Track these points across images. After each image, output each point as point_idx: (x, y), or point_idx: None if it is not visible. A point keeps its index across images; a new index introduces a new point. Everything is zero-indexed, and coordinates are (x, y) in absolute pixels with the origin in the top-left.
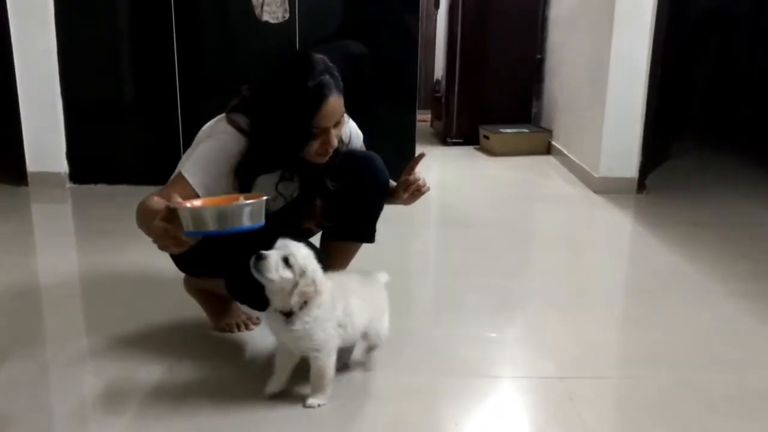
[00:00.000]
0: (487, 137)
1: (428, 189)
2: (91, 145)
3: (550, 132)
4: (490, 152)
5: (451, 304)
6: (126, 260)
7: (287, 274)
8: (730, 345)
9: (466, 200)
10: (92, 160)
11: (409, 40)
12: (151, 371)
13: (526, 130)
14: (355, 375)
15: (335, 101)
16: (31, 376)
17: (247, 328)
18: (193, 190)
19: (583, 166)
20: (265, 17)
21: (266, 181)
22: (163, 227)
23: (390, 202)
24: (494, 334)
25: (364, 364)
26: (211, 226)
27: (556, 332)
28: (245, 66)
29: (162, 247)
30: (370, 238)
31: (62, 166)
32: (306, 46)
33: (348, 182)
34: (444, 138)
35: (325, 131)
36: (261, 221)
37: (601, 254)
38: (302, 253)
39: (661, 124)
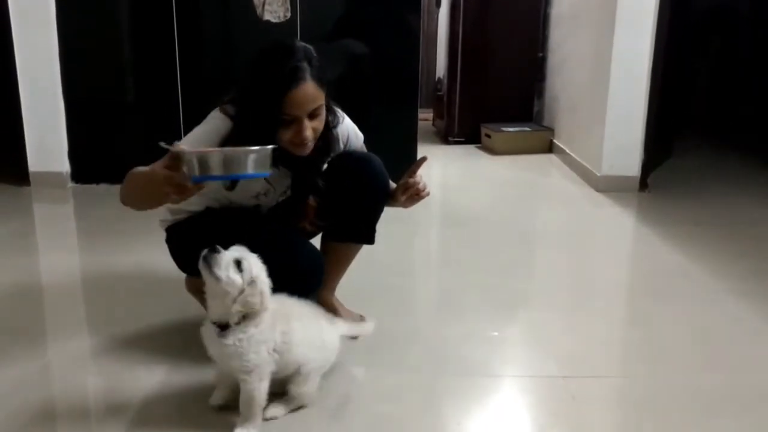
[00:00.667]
0: (488, 136)
1: (428, 194)
2: (93, 144)
3: (552, 130)
4: (491, 151)
5: (452, 303)
6: (128, 260)
7: (236, 277)
8: (732, 344)
9: (467, 199)
10: (94, 159)
11: (410, 38)
12: (152, 371)
13: (528, 129)
14: (356, 373)
15: (308, 89)
16: (33, 376)
17: None
18: None
19: (585, 164)
20: (267, 16)
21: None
22: (167, 174)
23: (389, 205)
24: (496, 333)
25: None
26: (216, 171)
27: (558, 331)
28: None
29: (163, 196)
30: (369, 239)
31: (64, 166)
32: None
33: (347, 183)
34: (446, 137)
35: (297, 120)
36: (266, 171)
37: (603, 253)
38: (256, 262)
39: (663, 122)
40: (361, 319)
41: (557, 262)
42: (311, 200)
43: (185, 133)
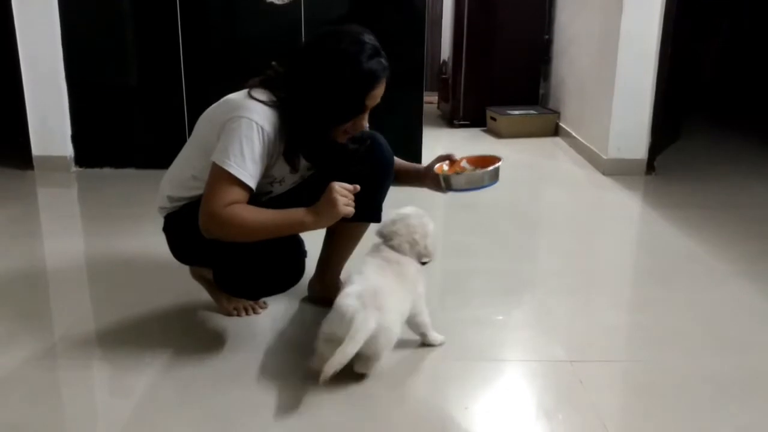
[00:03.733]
0: (494, 119)
1: None
2: (97, 128)
3: (558, 113)
4: (497, 134)
5: (457, 288)
6: (132, 244)
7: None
8: (741, 327)
9: None
10: (98, 143)
11: (415, 21)
12: (159, 355)
13: (534, 112)
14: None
15: (384, 84)
16: (39, 360)
17: (254, 312)
18: (246, 187)
19: (592, 147)
20: None
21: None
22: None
23: (412, 184)
24: (501, 317)
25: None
26: (462, 186)
27: (565, 315)
28: (250, 48)
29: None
30: (376, 217)
31: (68, 150)
32: (311, 28)
33: (353, 161)
34: (451, 120)
35: (366, 111)
36: (496, 180)
37: (609, 236)
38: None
39: (670, 105)
40: None
41: (563, 246)
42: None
43: (188, 116)
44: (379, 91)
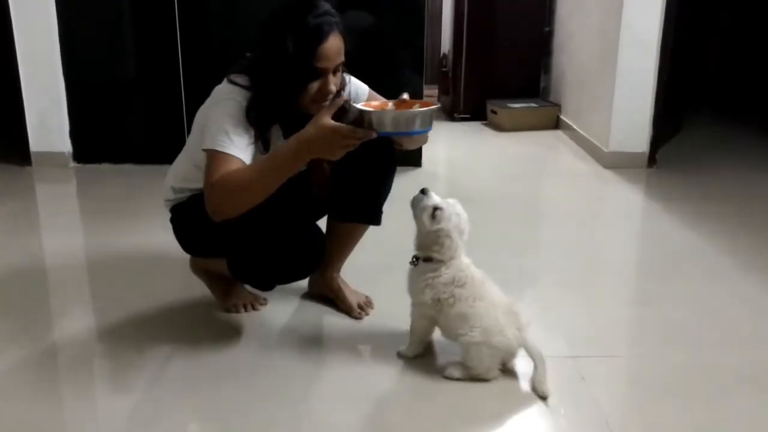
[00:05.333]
0: (495, 112)
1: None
2: (95, 123)
3: (558, 106)
4: (498, 127)
5: None
6: (131, 240)
7: (427, 221)
8: (744, 321)
9: (474, 176)
10: (96, 138)
11: (416, 13)
12: (158, 351)
13: (535, 105)
14: (363, 353)
15: (336, 41)
16: (39, 357)
17: (254, 308)
18: (238, 159)
19: (593, 140)
20: None
21: (275, 137)
22: (351, 129)
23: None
24: None
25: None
26: (388, 128)
27: (567, 310)
28: (248, 43)
29: (343, 148)
30: (376, 220)
31: (66, 146)
32: None
33: (353, 162)
34: (451, 113)
35: (324, 73)
36: (429, 127)
37: (611, 230)
38: (451, 217)
39: (672, 97)
40: (367, 299)
41: (565, 240)
42: (326, 164)
43: (187, 111)
44: (330, 49)
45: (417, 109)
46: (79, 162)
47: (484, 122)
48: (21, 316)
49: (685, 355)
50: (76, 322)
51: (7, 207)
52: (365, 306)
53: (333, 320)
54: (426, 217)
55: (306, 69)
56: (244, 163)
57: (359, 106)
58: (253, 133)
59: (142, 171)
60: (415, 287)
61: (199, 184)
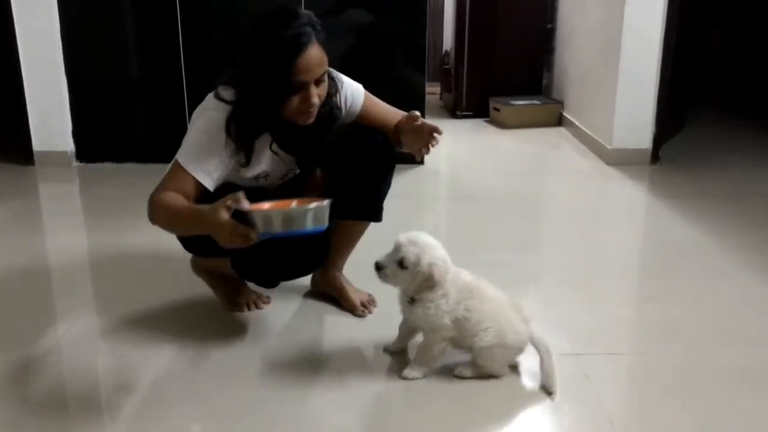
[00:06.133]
0: (497, 109)
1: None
2: (97, 123)
3: (561, 103)
4: (500, 125)
5: None
6: (134, 239)
7: (404, 275)
8: (748, 318)
9: (476, 174)
10: (98, 138)
11: (417, 11)
12: (161, 350)
13: (537, 102)
14: (365, 351)
15: (315, 53)
16: (43, 356)
17: (257, 306)
18: (194, 179)
19: (596, 137)
20: None
21: (262, 146)
22: (234, 225)
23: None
24: None
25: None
26: (277, 228)
27: (570, 308)
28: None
29: (228, 242)
30: (377, 216)
31: (68, 145)
32: None
33: (353, 159)
34: (453, 111)
35: (305, 86)
36: (324, 225)
37: (614, 227)
38: (414, 252)
39: (675, 93)
40: (370, 297)
41: (568, 237)
42: (318, 172)
43: (189, 110)
44: (308, 62)
45: (306, 206)
46: (81, 161)
47: (487, 119)
48: (24, 316)
49: (688, 352)
50: (79, 321)
51: (9, 206)
52: (368, 304)
53: (336, 318)
54: (400, 273)
55: (285, 83)
56: (198, 183)
57: (254, 207)
58: (231, 147)
59: (145, 170)
60: (429, 318)
61: None
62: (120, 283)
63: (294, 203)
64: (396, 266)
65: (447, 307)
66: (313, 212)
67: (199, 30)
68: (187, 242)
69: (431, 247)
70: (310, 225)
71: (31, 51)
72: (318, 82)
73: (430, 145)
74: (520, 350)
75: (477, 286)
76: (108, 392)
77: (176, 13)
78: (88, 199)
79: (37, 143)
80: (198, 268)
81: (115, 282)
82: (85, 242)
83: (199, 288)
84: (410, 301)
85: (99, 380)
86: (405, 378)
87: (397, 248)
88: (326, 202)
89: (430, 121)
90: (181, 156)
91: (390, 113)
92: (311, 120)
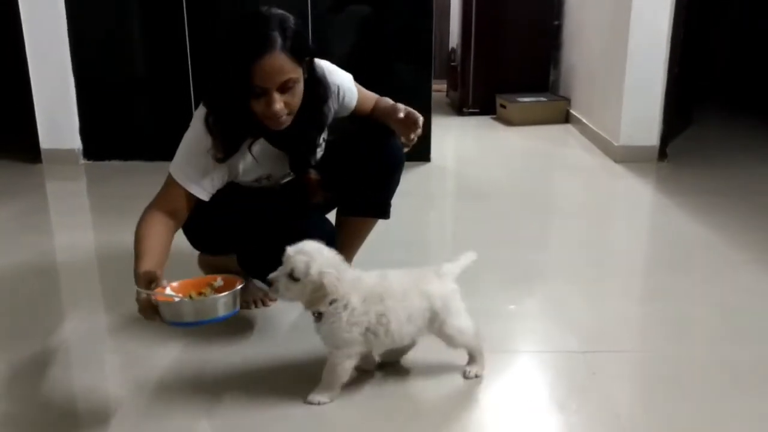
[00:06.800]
0: (504, 106)
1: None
2: (104, 121)
3: (568, 100)
4: (507, 122)
5: (468, 277)
6: None
7: (296, 287)
8: (756, 315)
9: (483, 171)
10: (105, 136)
11: (424, 7)
12: (168, 348)
13: (544, 99)
14: None
15: (275, 60)
16: (51, 354)
17: (264, 304)
18: (186, 191)
19: (603, 134)
20: None
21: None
22: (144, 305)
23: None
24: (513, 307)
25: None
26: (188, 318)
27: (577, 305)
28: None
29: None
30: (385, 213)
31: (75, 143)
32: (318, 13)
33: (362, 156)
34: (460, 108)
35: (265, 92)
36: (236, 309)
37: (622, 225)
38: (304, 262)
39: (682, 91)
40: None
41: (575, 235)
42: (313, 174)
43: (196, 107)
44: (265, 68)
45: (215, 295)
46: (88, 159)
47: (493, 116)
48: (32, 313)
49: (697, 349)
50: (88, 319)
51: (17, 204)
52: None
53: None
54: (292, 286)
55: (244, 87)
56: (191, 195)
57: (158, 295)
58: (213, 160)
59: (152, 168)
60: (336, 335)
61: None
62: (127, 280)
63: (217, 280)
64: (287, 279)
65: (353, 318)
66: (224, 299)
67: (206, 29)
68: (194, 239)
69: (321, 256)
70: (221, 312)
71: (38, 50)
72: (283, 89)
73: (412, 135)
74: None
75: (384, 288)
76: (115, 389)
77: (183, 11)
78: (95, 197)
79: (45, 141)
80: (205, 265)
81: (122, 279)
82: (93, 240)
83: None
84: (316, 318)
85: (106, 377)
86: (310, 403)
87: (286, 260)
88: (237, 288)
89: (435, 120)
90: (173, 168)
91: (373, 100)
92: (282, 126)
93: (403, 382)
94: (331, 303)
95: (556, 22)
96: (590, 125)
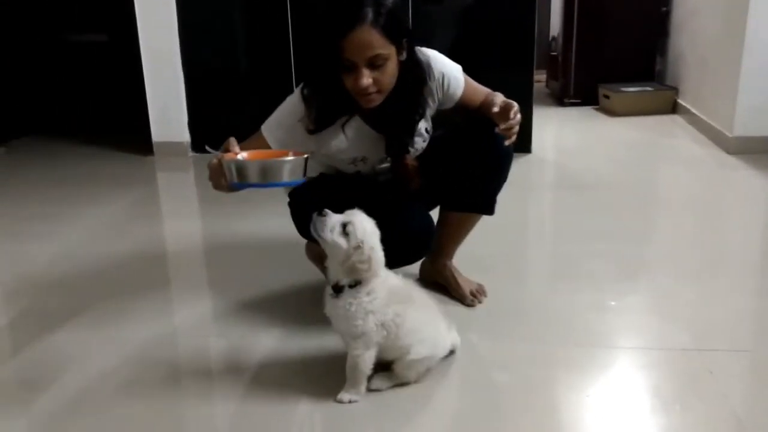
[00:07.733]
0: (607, 97)
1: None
2: (211, 115)
3: (676, 90)
4: (610, 112)
5: (571, 271)
6: (247, 226)
7: (341, 240)
8: None
9: (585, 163)
10: (212, 129)
11: None
12: (271, 334)
13: (650, 89)
14: (475, 342)
15: (364, 34)
16: (161, 338)
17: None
18: (264, 139)
19: (715, 125)
20: None
21: (353, 129)
22: (213, 169)
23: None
24: (614, 303)
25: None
26: (253, 179)
27: (688, 301)
28: None
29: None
30: (489, 209)
31: (184, 136)
32: (418, 8)
33: (470, 152)
34: (561, 98)
35: (353, 66)
36: (301, 177)
37: (735, 218)
38: (364, 227)
39: None
40: (479, 287)
41: (684, 228)
42: (409, 159)
43: None
44: (352, 42)
45: (284, 158)
46: (196, 151)
47: (596, 107)
48: (145, 299)
49: None
50: (195, 305)
51: (131, 194)
52: (478, 293)
53: (445, 308)
54: (338, 237)
55: (334, 60)
56: (265, 142)
57: (233, 156)
58: (298, 129)
59: None
60: (349, 317)
61: (311, 173)
62: (233, 268)
63: (289, 155)
64: (341, 227)
65: (372, 306)
66: (290, 165)
67: (309, 23)
68: (302, 227)
69: (376, 238)
70: (286, 177)
71: (152, 49)
72: (373, 65)
73: (504, 125)
74: (439, 359)
75: (408, 292)
76: (219, 372)
77: (287, 8)
78: (202, 187)
79: (156, 135)
80: (312, 255)
81: (229, 267)
82: (200, 228)
83: (310, 275)
84: (335, 290)
85: (211, 361)
86: (340, 402)
87: (349, 215)
88: (304, 156)
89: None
90: (265, 126)
91: (484, 94)
92: (372, 103)
93: (495, 375)
94: (354, 285)
95: (663, 9)
96: (700, 115)
